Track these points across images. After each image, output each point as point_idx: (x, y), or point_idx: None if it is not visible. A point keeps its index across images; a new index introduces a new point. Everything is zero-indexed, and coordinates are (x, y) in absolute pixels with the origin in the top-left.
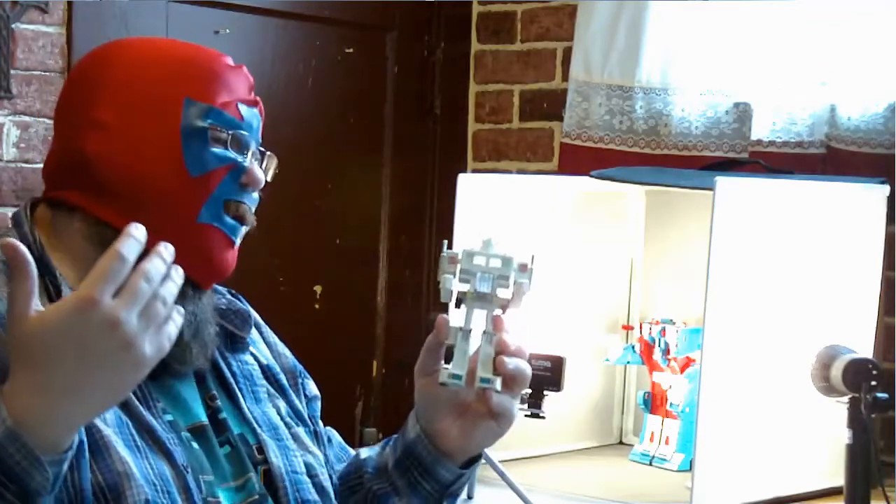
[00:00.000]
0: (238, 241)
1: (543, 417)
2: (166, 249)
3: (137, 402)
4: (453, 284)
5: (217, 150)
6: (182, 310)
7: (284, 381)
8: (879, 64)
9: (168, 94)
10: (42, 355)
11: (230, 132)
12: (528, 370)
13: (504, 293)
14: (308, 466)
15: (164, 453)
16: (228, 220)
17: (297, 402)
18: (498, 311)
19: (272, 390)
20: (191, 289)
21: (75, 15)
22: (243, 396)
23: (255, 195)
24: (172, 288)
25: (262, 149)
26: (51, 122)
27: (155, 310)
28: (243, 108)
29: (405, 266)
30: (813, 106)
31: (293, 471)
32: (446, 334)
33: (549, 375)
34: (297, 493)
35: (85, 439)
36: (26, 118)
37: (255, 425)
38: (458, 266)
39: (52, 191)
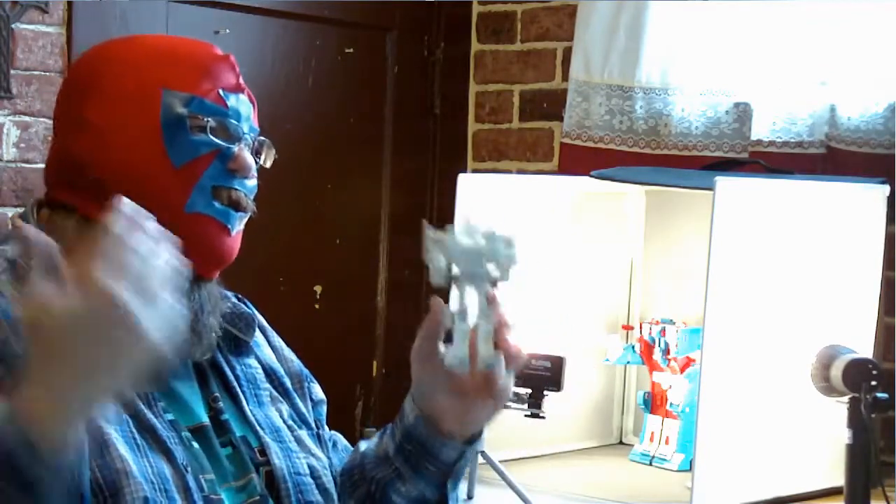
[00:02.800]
0: (235, 229)
1: (543, 417)
2: (151, 225)
3: (139, 401)
4: (442, 264)
5: (200, 137)
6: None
7: (289, 385)
8: (879, 64)
9: (146, 86)
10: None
11: (214, 119)
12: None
13: (493, 269)
14: (311, 468)
15: (164, 452)
16: (219, 206)
17: (300, 405)
18: (489, 288)
19: (275, 393)
20: (189, 281)
21: (75, 15)
22: (246, 399)
23: (251, 182)
24: (163, 263)
25: (259, 137)
26: (51, 122)
27: (150, 286)
28: (227, 96)
29: (405, 266)
30: (813, 106)
31: (296, 472)
32: (443, 317)
33: (549, 375)
34: (299, 494)
35: (85, 437)
36: (26, 118)
37: (258, 427)
38: (446, 247)
39: (50, 191)
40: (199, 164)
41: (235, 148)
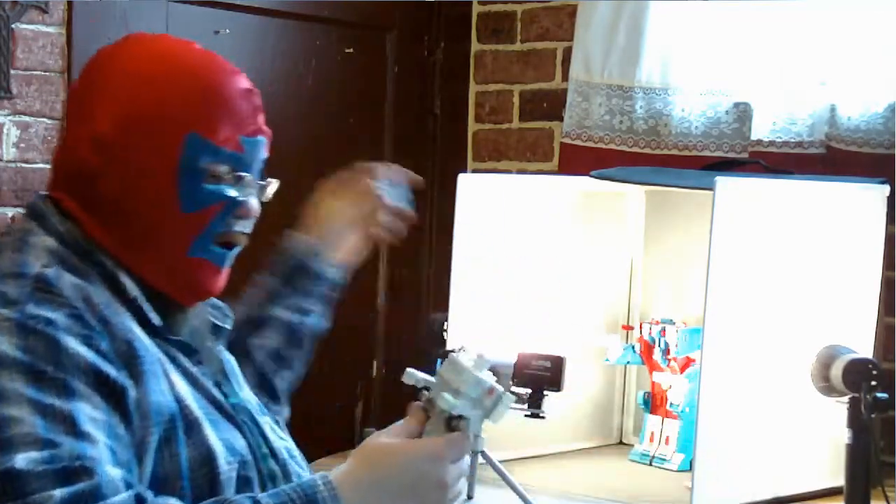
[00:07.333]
0: (226, 266)
1: (543, 417)
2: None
3: (204, 382)
4: (444, 402)
5: (213, 186)
6: None
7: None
8: (879, 64)
9: (171, 125)
10: (386, 470)
11: (230, 169)
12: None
13: (461, 410)
14: None
15: (235, 426)
16: (217, 249)
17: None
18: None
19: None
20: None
21: (75, 15)
22: (239, 383)
23: (251, 221)
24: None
25: (261, 181)
26: (51, 122)
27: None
28: (247, 142)
29: (405, 266)
30: (813, 106)
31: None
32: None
33: (549, 375)
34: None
35: (180, 416)
36: (26, 118)
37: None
38: (447, 385)
39: (54, 188)
40: (208, 213)
41: (244, 195)
